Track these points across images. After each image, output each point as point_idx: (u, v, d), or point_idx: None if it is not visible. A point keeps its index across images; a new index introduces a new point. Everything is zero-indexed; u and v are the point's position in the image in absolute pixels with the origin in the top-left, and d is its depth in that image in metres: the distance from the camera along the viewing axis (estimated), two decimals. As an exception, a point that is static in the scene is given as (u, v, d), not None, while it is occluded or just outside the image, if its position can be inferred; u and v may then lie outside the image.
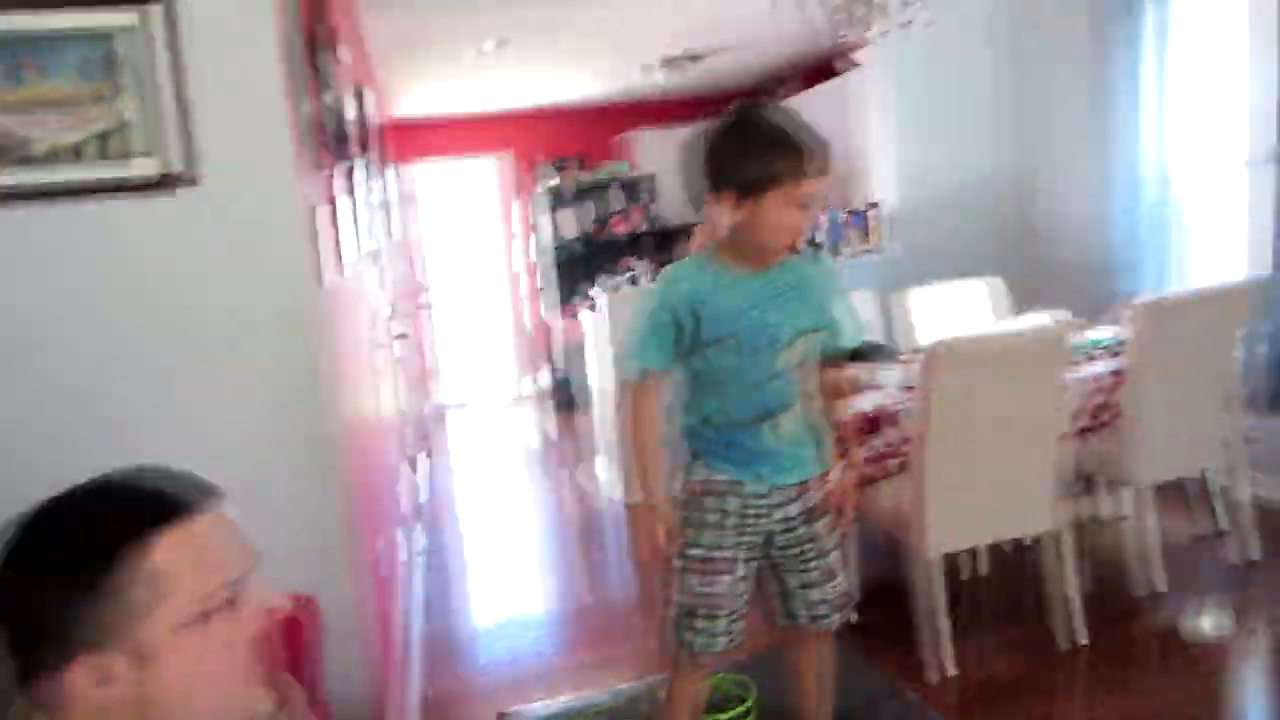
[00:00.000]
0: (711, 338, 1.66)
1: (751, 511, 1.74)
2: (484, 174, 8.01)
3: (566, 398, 7.17)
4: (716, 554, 1.74)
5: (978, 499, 2.65)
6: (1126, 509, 2.96)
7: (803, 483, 1.77)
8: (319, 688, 1.98)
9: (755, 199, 1.58)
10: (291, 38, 2.15)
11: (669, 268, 1.77)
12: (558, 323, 7.30)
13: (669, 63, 5.92)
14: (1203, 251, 3.90)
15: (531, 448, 6.43)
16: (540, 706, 2.27)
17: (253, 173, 2.00)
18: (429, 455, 6.16)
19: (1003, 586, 3.22)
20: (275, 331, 2.01)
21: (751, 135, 1.60)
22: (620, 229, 7.28)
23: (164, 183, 1.97)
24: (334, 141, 2.47)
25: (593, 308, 4.87)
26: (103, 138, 1.93)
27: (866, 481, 2.88)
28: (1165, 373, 2.88)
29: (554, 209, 7.20)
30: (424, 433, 6.68)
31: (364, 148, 3.33)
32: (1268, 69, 3.09)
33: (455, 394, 8.08)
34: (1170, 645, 2.75)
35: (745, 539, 1.75)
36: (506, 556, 4.20)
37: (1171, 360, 2.88)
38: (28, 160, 1.92)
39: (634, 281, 4.79)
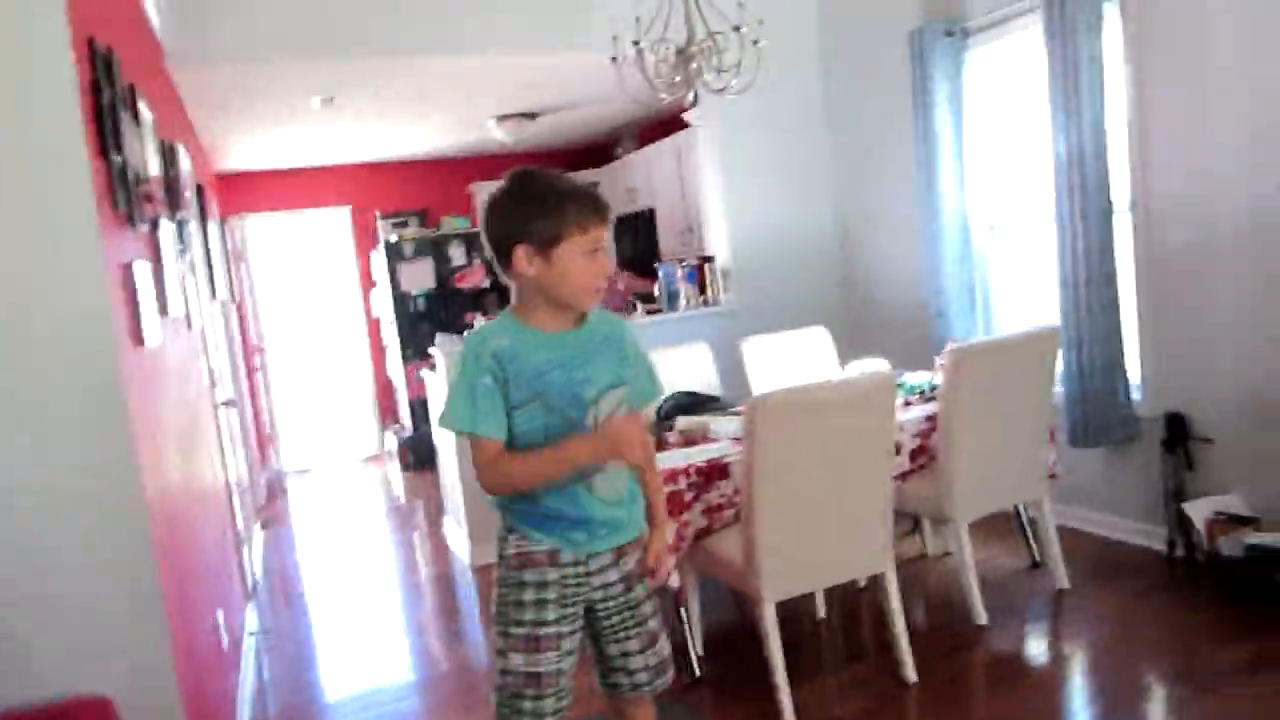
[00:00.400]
0: (519, 400, 1.65)
1: (571, 582, 1.72)
2: (329, 227, 7.78)
3: (415, 456, 6.98)
4: (540, 631, 1.71)
5: (809, 546, 2.72)
6: (957, 545, 3.10)
7: (619, 548, 1.76)
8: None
9: (548, 252, 1.61)
10: (101, 94, 2.04)
11: (473, 331, 1.77)
12: (403, 379, 7.12)
13: (505, 120, 5.95)
14: (1016, 299, 4.20)
15: (380, 510, 6.20)
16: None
17: (41, 241, 1.87)
18: (266, 526, 5.83)
19: (847, 628, 3.31)
20: (75, 400, 1.91)
21: (534, 193, 1.64)
22: (465, 284, 7.21)
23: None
24: (138, 199, 2.34)
25: (433, 366, 4.78)
26: None
27: (703, 533, 2.92)
28: (975, 415, 3.06)
29: (398, 263, 7.06)
30: (260, 503, 6.34)
31: (174, 205, 3.16)
32: (1067, 126, 3.38)
33: (299, 458, 7.71)
34: (994, 675, 2.89)
35: (567, 611, 1.73)
36: (356, 626, 4.00)
37: (980, 403, 3.06)
38: None
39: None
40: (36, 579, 1.90)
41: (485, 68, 4.73)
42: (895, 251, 4.72)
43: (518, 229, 1.62)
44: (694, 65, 3.12)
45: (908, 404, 3.39)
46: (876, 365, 3.75)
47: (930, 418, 3.20)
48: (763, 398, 2.59)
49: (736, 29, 3.14)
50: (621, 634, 1.78)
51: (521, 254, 1.62)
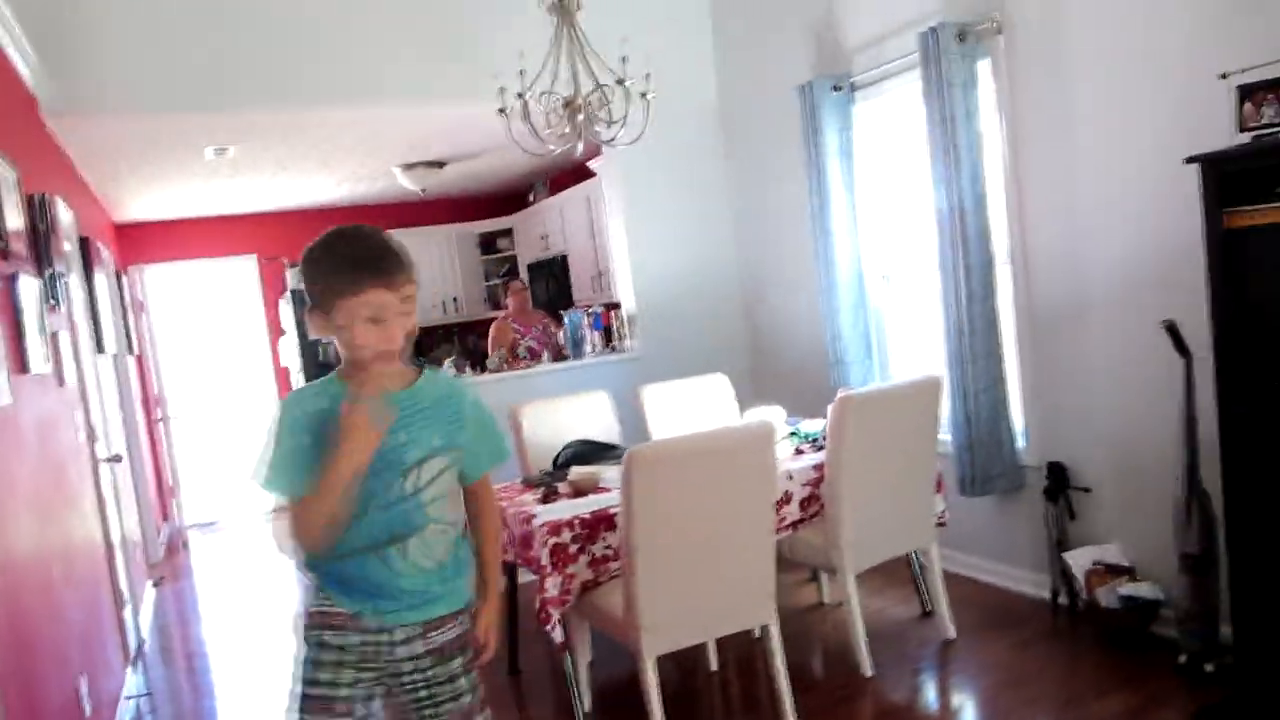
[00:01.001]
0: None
1: (371, 648, 1.66)
2: (235, 276, 7.62)
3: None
4: (333, 693, 1.64)
5: (691, 598, 2.70)
6: (847, 594, 3.10)
7: (430, 621, 1.69)
8: None
9: (328, 313, 1.55)
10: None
11: (294, 390, 1.72)
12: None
13: (411, 168, 5.93)
14: (911, 348, 4.29)
15: (288, 562, 6.00)
16: None
17: None
18: (159, 584, 5.59)
19: (741, 679, 3.29)
20: None
21: (317, 254, 1.59)
22: (378, 331, 7.11)
23: None
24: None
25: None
26: None
27: (590, 586, 2.88)
28: (861, 463, 3.08)
29: (304, 312, 6.93)
30: (158, 559, 6.10)
31: (43, 260, 3.06)
32: (947, 179, 3.48)
33: (205, 511, 7.44)
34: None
35: (365, 677, 1.66)
36: (257, 685, 3.83)
37: (866, 452, 3.08)
38: None
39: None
40: None
41: (380, 119, 4.72)
42: (795, 299, 4.80)
43: (308, 287, 1.59)
44: (580, 117, 3.15)
45: (799, 452, 3.42)
46: (773, 413, 3.78)
47: (820, 466, 3.22)
48: (637, 449, 2.58)
49: (620, 82, 3.19)
50: (429, 710, 1.70)
51: (310, 317, 1.59)
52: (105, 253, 5.30)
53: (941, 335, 3.70)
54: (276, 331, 7.59)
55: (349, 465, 1.51)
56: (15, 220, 2.70)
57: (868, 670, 3.10)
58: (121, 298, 5.89)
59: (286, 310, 7.10)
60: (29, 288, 2.77)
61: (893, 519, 3.24)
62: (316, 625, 1.66)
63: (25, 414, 2.64)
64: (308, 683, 1.65)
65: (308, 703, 1.64)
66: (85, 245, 4.44)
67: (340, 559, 1.64)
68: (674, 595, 2.65)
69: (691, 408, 4.10)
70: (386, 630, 1.66)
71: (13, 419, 2.47)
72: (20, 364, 2.60)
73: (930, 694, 3.11)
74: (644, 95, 3.33)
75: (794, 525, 3.21)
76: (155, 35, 3.88)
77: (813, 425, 3.68)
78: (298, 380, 7.12)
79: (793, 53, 4.47)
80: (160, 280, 7.35)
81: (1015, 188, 3.50)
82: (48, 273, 3.13)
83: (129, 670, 3.93)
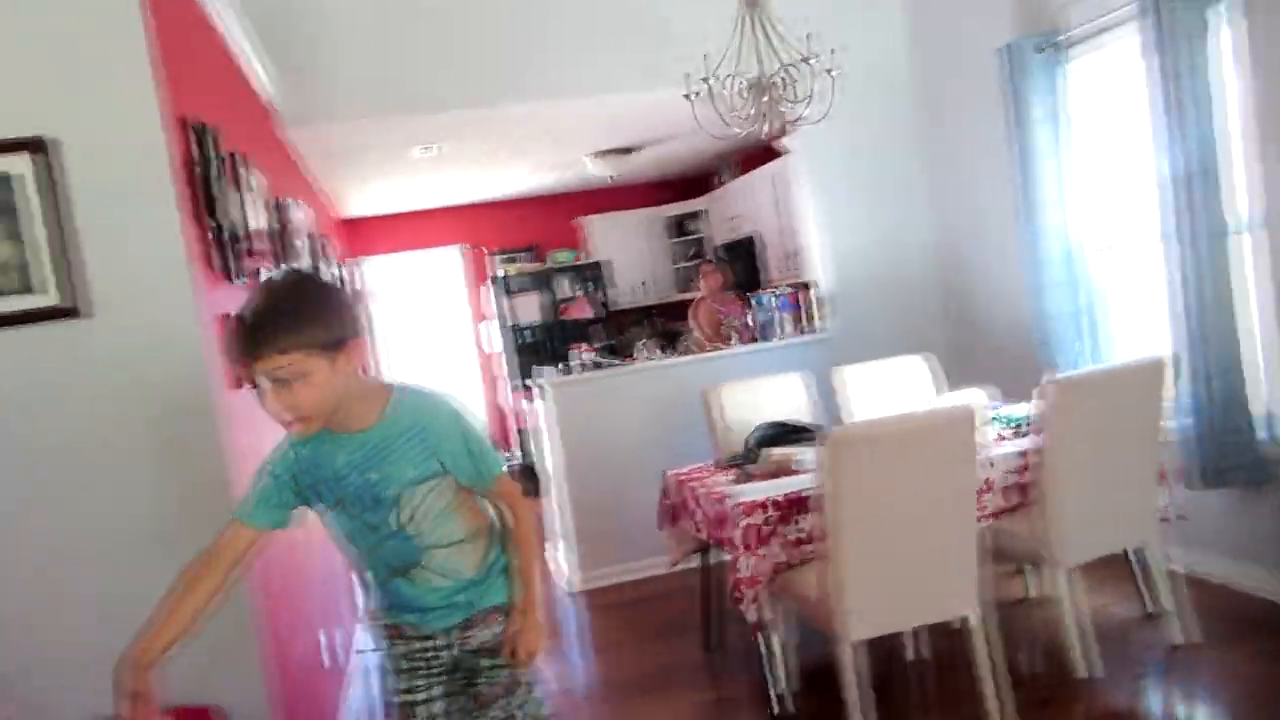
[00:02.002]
0: (325, 504, 1.64)
1: (420, 653, 1.74)
2: (443, 265, 8.14)
3: (524, 483, 7.18)
4: (400, 698, 1.75)
5: (891, 584, 2.65)
6: (1061, 589, 2.93)
7: (464, 622, 1.73)
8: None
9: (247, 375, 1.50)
10: (195, 167, 2.24)
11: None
12: (513, 409, 7.34)
13: (601, 155, 6.09)
14: (1128, 326, 3.98)
15: (490, 537, 6.38)
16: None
17: (147, 298, 2.07)
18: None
19: (940, 671, 3.19)
20: (181, 438, 2.10)
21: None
22: (571, 315, 7.38)
23: (53, 315, 2.03)
24: (238, 256, 2.55)
25: (539, 396, 4.91)
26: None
27: (784, 567, 2.89)
28: (1074, 451, 2.89)
29: (509, 296, 7.31)
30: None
31: (282, 256, 3.40)
32: (1171, 143, 3.20)
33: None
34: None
35: (419, 683, 1.74)
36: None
37: (1085, 438, 2.89)
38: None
39: (569, 371, 4.83)
40: (150, 600, 2.09)
41: (571, 111, 4.87)
42: (998, 276, 4.56)
43: None
44: (766, 98, 3.13)
45: (1002, 438, 3.27)
46: (975, 396, 3.62)
47: (1025, 453, 3.06)
48: (838, 431, 2.57)
49: (807, 60, 3.14)
50: (483, 703, 1.76)
51: None
52: (334, 248, 5.81)
53: (1166, 313, 3.40)
54: (479, 317, 8.04)
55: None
56: (260, 222, 3.02)
57: (1082, 671, 2.91)
58: (351, 288, 6.44)
59: (490, 297, 7.50)
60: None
61: (1109, 511, 3.02)
62: (385, 637, 1.78)
63: (273, 396, 2.95)
64: (389, 691, 1.78)
65: (394, 708, 1.77)
66: (313, 242, 4.88)
67: (376, 580, 1.73)
68: (872, 581, 2.62)
69: (888, 390, 4.00)
70: (430, 636, 1.73)
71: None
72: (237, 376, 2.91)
73: (1156, 703, 2.87)
74: (830, 72, 3.27)
75: (996, 514, 3.07)
76: (368, 46, 4.23)
77: (1017, 410, 3.50)
78: (500, 363, 7.52)
79: (991, 14, 4.22)
80: (379, 271, 7.96)
81: (1261, 147, 3.14)
82: (284, 267, 3.48)
83: (358, 628, 4.32)
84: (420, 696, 1.74)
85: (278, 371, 1.40)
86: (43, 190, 1.98)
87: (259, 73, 3.67)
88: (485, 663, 1.74)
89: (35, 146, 1.97)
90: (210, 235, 2.29)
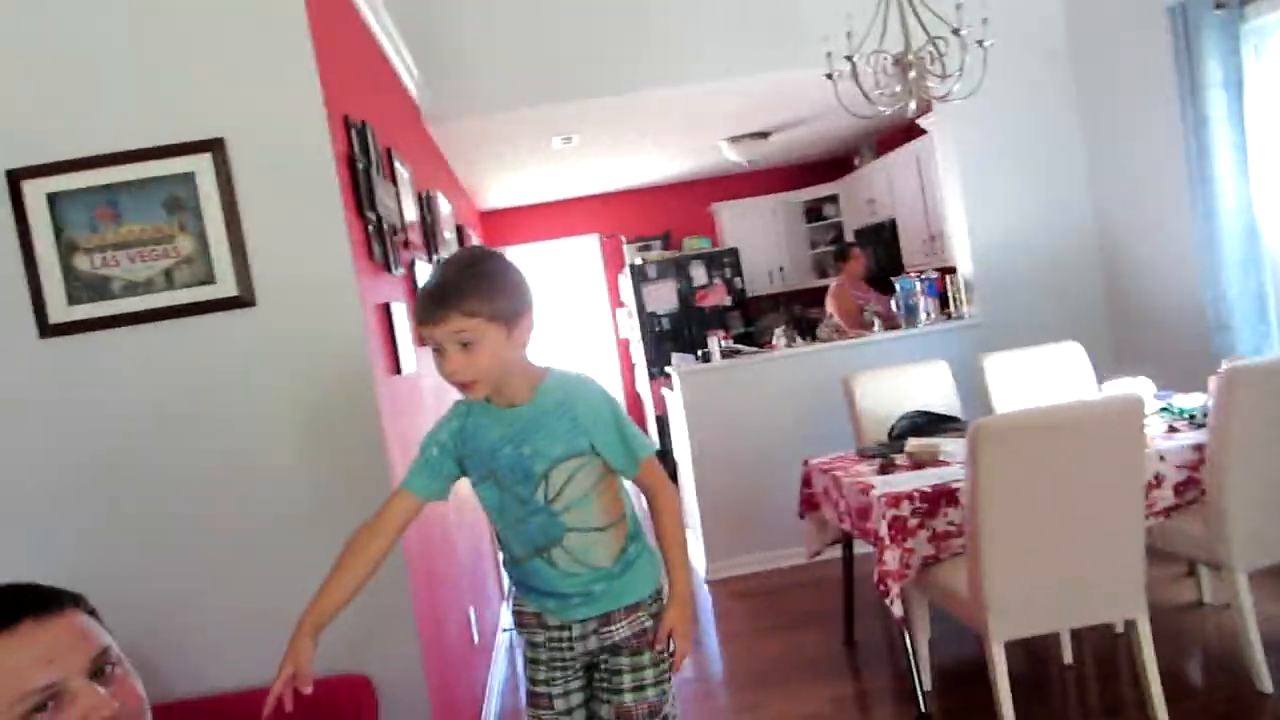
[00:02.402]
0: (476, 476, 1.68)
1: (556, 643, 1.74)
2: (579, 254, 8.28)
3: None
4: (537, 689, 1.77)
5: (1045, 583, 2.52)
6: (1241, 594, 2.70)
7: (601, 616, 1.72)
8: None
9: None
10: (355, 162, 2.36)
11: (455, 403, 1.73)
12: (649, 396, 7.40)
13: (737, 141, 6.03)
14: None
15: (626, 522, 6.47)
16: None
17: (311, 287, 2.19)
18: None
19: (1099, 676, 3.03)
20: (342, 421, 2.23)
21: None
22: (706, 302, 7.37)
23: (228, 304, 2.17)
24: (394, 248, 2.66)
25: (670, 385, 4.93)
26: (168, 272, 2.15)
27: (931, 560, 2.80)
28: (1259, 445, 2.68)
29: (642, 285, 7.36)
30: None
31: (432, 248, 3.53)
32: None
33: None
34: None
35: (556, 675, 1.75)
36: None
37: (1261, 432, 2.67)
38: (112, 295, 2.16)
39: (706, 359, 4.82)
40: (312, 573, 2.22)
41: (710, 95, 4.83)
42: (1166, 256, 4.25)
43: None
44: (912, 74, 3.02)
45: (1173, 430, 3.05)
46: (1139, 386, 3.41)
47: (1200, 447, 2.85)
48: (986, 421, 2.45)
49: (956, 32, 3.00)
50: (613, 701, 1.74)
51: None
52: (475, 238, 6.00)
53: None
54: (616, 305, 8.14)
55: None
56: (412, 214, 3.14)
57: (1265, 685, 2.68)
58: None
59: (625, 285, 7.58)
60: (423, 270, 3.22)
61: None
62: (518, 624, 1.80)
63: (425, 380, 3.08)
64: (528, 679, 1.80)
65: (529, 696, 1.80)
66: (459, 233, 5.05)
67: (516, 563, 1.74)
68: (1025, 579, 2.49)
69: (1040, 378, 3.81)
70: (566, 626, 1.73)
71: (416, 384, 2.90)
72: (420, 337, 3.03)
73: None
74: (980, 43, 3.12)
75: (1166, 512, 2.87)
76: (507, 39, 4.32)
77: (1189, 400, 3.26)
78: (636, 350, 7.59)
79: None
80: (517, 260, 8.15)
81: None
82: (434, 258, 3.62)
83: (504, 605, 4.47)
84: (557, 689, 1.76)
85: (460, 335, 1.49)
86: (220, 188, 2.12)
87: (404, 69, 3.82)
88: (625, 661, 1.73)
89: (212, 147, 2.11)
90: (368, 228, 2.40)
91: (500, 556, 1.83)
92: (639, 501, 1.83)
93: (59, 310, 2.15)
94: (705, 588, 4.60)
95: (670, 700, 1.77)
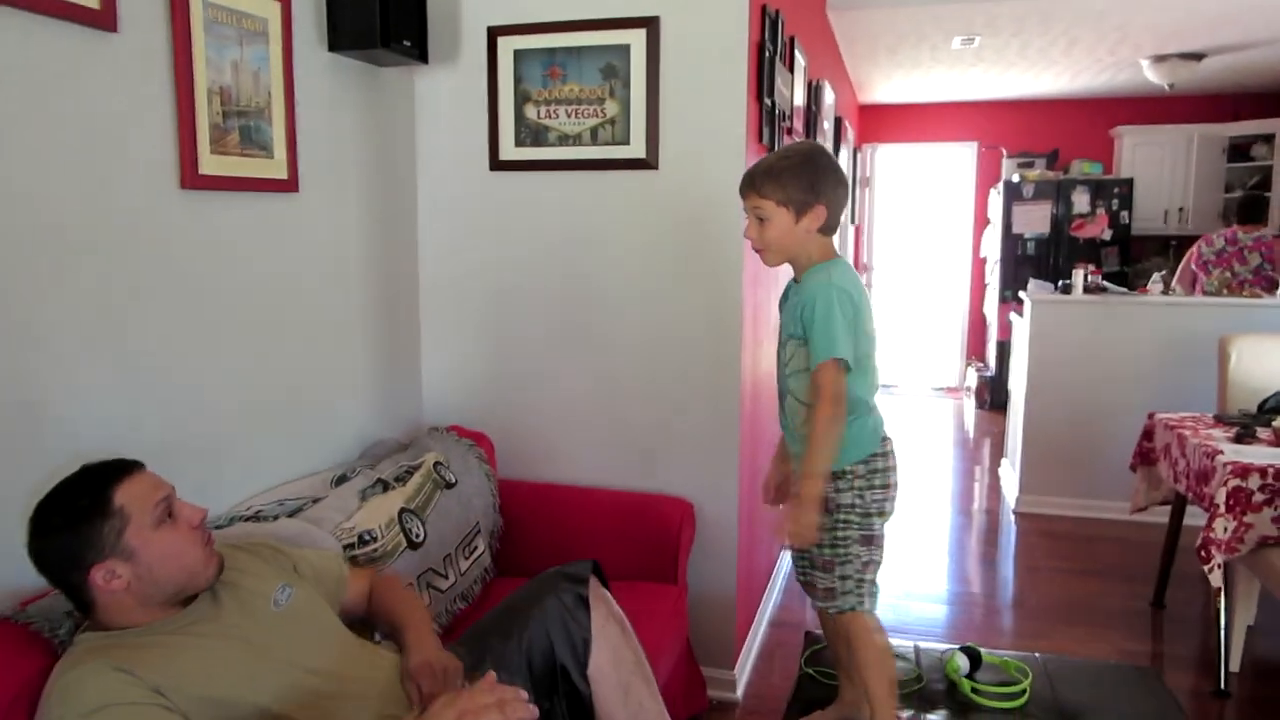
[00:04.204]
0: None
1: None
2: (951, 161, 7.99)
3: (991, 396, 7.03)
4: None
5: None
6: None
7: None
8: (683, 569, 2.50)
9: None
10: (764, 49, 2.60)
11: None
12: (996, 320, 7.13)
13: (1161, 61, 5.40)
14: None
15: (946, 439, 6.45)
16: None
17: (705, 160, 2.50)
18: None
19: None
20: (710, 283, 2.58)
21: None
22: (1082, 233, 6.84)
23: (635, 165, 2.55)
24: (779, 133, 2.89)
25: (1021, 311, 4.78)
26: (594, 130, 2.55)
27: (1270, 541, 2.63)
28: None
29: (1013, 204, 6.99)
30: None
31: (809, 136, 3.70)
32: None
33: (886, 375, 8.27)
34: None
35: None
36: (898, 529, 4.37)
37: None
38: (547, 143, 2.62)
39: (1066, 290, 4.57)
40: (676, 411, 2.63)
41: (1143, 5, 4.39)
42: None
43: None
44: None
45: None
46: None
47: None
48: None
49: None
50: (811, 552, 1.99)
51: None
52: (850, 131, 6.05)
53: None
54: (981, 222, 7.81)
55: None
56: (800, 101, 3.33)
57: None
58: (854, 173, 6.68)
59: (996, 201, 7.24)
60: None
61: None
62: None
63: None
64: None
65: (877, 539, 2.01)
66: (838, 124, 5.15)
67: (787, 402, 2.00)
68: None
69: None
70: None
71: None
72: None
73: None
74: None
75: None
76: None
77: None
78: (993, 271, 7.30)
79: None
80: (888, 160, 8.06)
81: None
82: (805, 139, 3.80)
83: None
84: None
85: (757, 210, 1.81)
86: (648, 61, 2.46)
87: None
88: (824, 519, 1.87)
89: (648, 24, 2.44)
90: (762, 112, 2.64)
91: None
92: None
93: (508, 150, 2.65)
94: (1011, 517, 4.56)
95: (846, 562, 1.90)
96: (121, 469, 1.41)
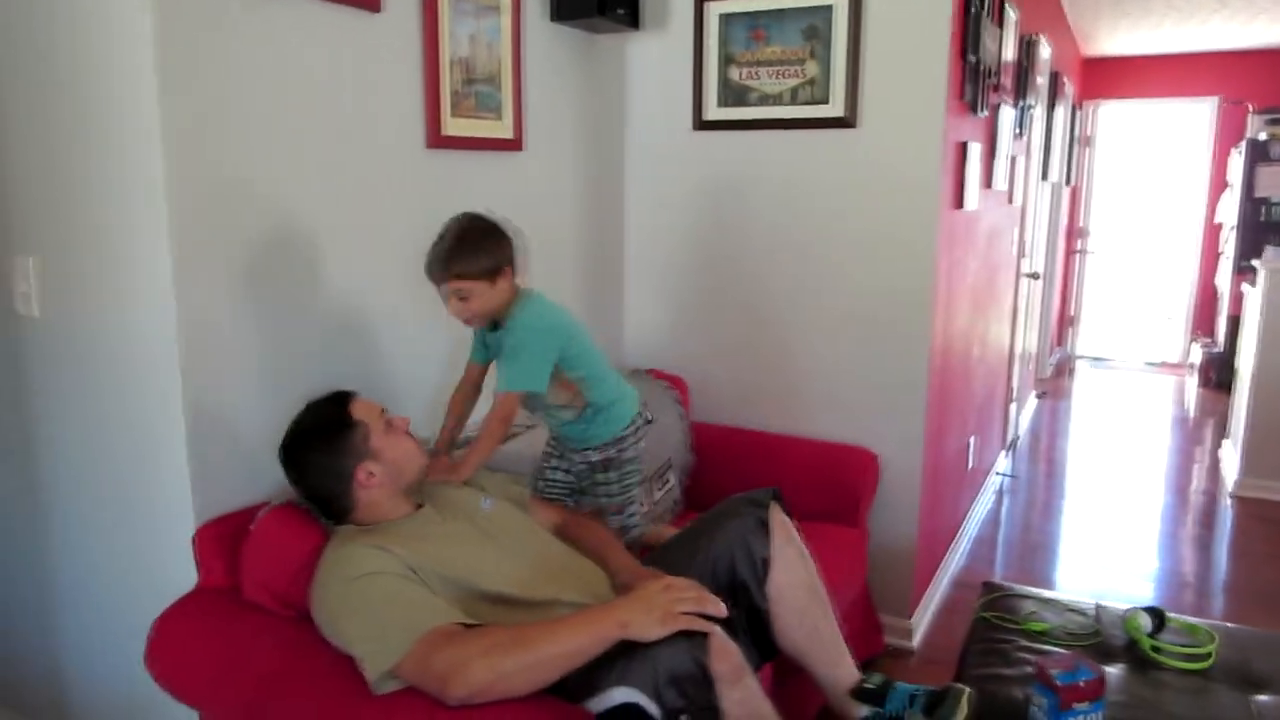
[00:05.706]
0: None
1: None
2: (1187, 120, 7.34)
3: (1217, 375, 6.50)
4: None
5: None
6: None
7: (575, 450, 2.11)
8: (864, 515, 2.59)
9: None
10: (970, 6, 2.58)
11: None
12: (1228, 292, 6.56)
13: None
14: None
15: (1164, 417, 6.04)
16: (1024, 589, 2.40)
17: (904, 118, 2.54)
18: (1041, 396, 6.24)
19: None
20: (905, 240, 2.64)
21: None
22: (1342, 196, 6.14)
23: (834, 124, 2.62)
24: (984, 91, 2.86)
25: (1253, 281, 4.42)
26: (794, 90, 2.64)
27: None
28: None
29: (1259, 163, 6.36)
30: (1043, 376, 6.74)
31: (1020, 93, 3.59)
32: None
33: (1095, 346, 7.81)
34: None
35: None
36: (1099, 505, 4.24)
37: None
38: (748, 103, 2.74)
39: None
40: (866, 366, 2.71)
41: None
42: None
43: None
44: None
45: None
46: None
47: None
48: None
49: None
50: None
51: None
52: (1069, 87, 5.73)
53: None
54: (1218, 185, 7.15)
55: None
56: (1009, 56, 3.25)
57: None
58: (1072, 131, 6.31)
59: (1237, 163, 6.62)
60: (1006, 117, 3.34)
61: None
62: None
63: (983, 221, 3.29)
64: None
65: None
66: (1054, 80, 4.91)
67: None
68: None
69: None
70: None
71: (975, 222, 3.13)
72: (988, 180, 3.22)
73: None
74: None
75: None
76: None
77: None
78: (1228, 238, 6.71)
79: None
80: (1112, 117, 7.52)
81: None
82: (1021, 104, 3.68)
83: (1003, 453, 4.66)
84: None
85: (458, 291, 1.83)
86: (850, 22, 2.51)
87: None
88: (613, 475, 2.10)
89: (851, -15, 2.49)
90: (965, 69, 2.62)
91: None
92: None
93: (711, 110, 2.78)
94: (1229, 501, 4.27)
95: (630, 502, 2.13)
96: (345, 394, 1.73)
